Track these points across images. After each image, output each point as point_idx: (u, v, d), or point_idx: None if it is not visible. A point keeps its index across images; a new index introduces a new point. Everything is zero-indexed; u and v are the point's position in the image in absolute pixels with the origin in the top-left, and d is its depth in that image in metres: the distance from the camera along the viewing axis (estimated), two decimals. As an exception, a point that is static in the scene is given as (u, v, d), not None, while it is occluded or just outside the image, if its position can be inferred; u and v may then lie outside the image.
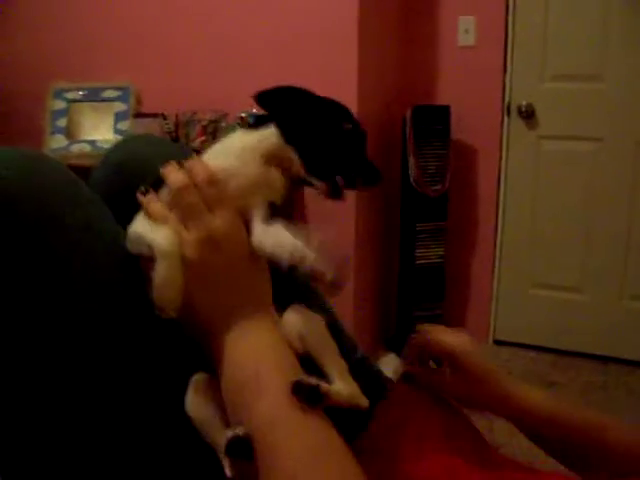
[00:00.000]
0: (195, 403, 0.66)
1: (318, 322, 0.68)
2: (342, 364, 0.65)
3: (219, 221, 0.64)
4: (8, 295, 0.63)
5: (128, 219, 0.68)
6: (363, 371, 0.87)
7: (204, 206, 0.65)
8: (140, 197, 0.68)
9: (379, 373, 0.94)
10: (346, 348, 0.92)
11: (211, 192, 0.65)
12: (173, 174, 0.67)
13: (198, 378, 0.67)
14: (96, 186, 0.81)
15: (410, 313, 2.81)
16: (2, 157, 0.69)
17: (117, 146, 0.89)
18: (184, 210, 0.65)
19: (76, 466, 0.67)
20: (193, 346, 0.67)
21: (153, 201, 0.67)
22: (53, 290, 0.65)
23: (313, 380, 0.58)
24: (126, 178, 0.81)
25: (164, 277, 0.62)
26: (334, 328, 0.94)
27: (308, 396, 0.56)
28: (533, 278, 2.93)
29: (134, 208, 0.68)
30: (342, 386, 0.61)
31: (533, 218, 2.89)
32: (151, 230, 0.65)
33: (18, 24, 2.96)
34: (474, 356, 0.81)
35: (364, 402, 0.63)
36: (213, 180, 0.65)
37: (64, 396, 0.66)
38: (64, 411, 0.66)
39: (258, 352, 0.63)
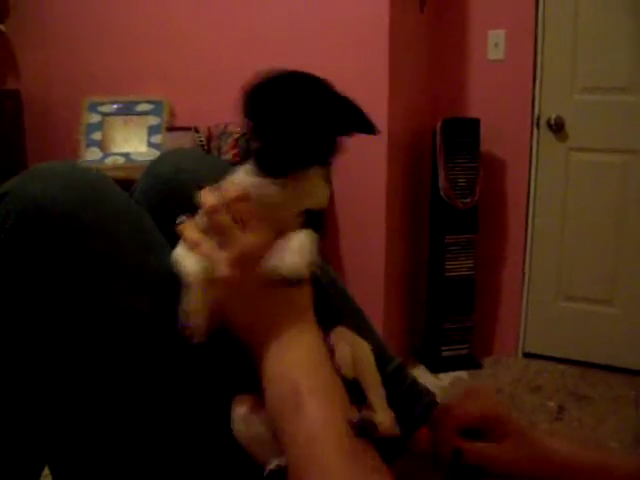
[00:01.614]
0: (242, 421, 0.67)
1: (367, 350, 0.69)
2: (383, 394, 0.67)
3: (251, 237, 0.64)
4: (60, 293, 0.67)
5: (171, 231, 0.69)
6: (398, 382, 0.88)
7: (235, 224, 0.64)
8: (178, 226, 0.68)
9: (414, 383, 0.94)
10: (382, 358, 0.94)
11: (241, 209, 0.64)
12: (205, 197, 0.66)
13: (243, 397, 0.68)
14: (140, 196, 0.84)
15: (439, 325, 2.81)
16: (59, 170, 0.72)
17: (162, 158, 0.91)
18: (216, 230, 0.65)
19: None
20: (236, 365, 0.68)
21: (188, 227, 0.68)
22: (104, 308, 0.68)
23: (368, 415, 0.61)
24: (170, 190, 0.83)
25: (189, 304, 0.63)
26: (371, 339, 0.96)
27: (362, 429, 0.59)
28: (563, 291, 2.92)
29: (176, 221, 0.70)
30: (382, 418, 0.63)
31: (563, 230, 2.88)
32: (184, 257, 0.66)
33: (55, 39, 3.02)
34: (511, 418, 0.74)
35: (397, 432, 0.64)
36: (242, 196, 0.65)
37: (110, 406, 0.68)
38: (115, 421, 0.68)
39: (298, 367, 0.63)
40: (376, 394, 0.66)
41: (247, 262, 0.64)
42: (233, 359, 0.67)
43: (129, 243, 0.72)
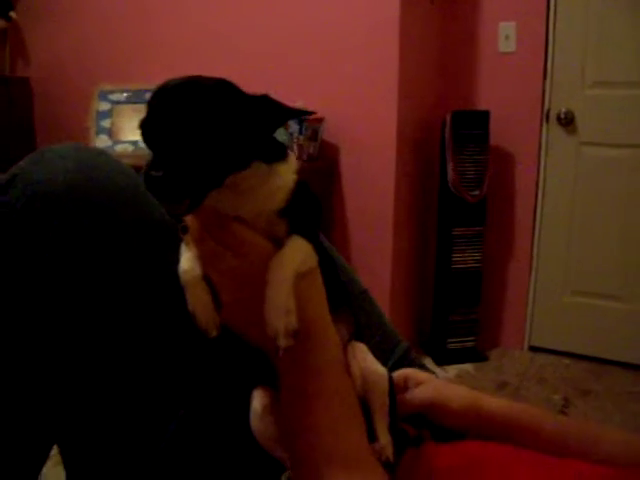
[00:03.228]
0: (258, 417, 0.68)
1: (380, 373, 0.70)
2: (387, 421, 0.70)
3: (236, 260, 0.61)
4: (72, 275, 0.68)
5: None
6: (405, 366, 0.89)
7: (220, 248, 0.61)
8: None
9: (423, 368, 0.95)
10: (389, 341, 0.94)
11: (221, 235, 0.62)
12: (189, 221, 0.63)
13: (261, 392, 0.69)
14: None
15: (446, 317, 2.81)
16: (65, 153, 0.73)
17: None
18: (203, 256, 0.62)
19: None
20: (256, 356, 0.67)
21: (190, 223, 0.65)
22: (111, 277, 0.69)
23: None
24: None
25: (190, 302, 0.62)
26: (377, 320, 0.96)
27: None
28: (570, 285, 2.92)
29: None
30: (383, 443, 0.68)
31: (571, 225, 2.87)
32: (182, 253, 0.64)
33: (65, 27, 3.03)
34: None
35: (392, 460, 0.68)
36: (220, 223, 0.62)
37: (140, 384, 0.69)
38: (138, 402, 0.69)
39: (314, 370, 0.63)
40: (380, 419, 0.69)
41: (238, 283, 0.62)
42: (252, 350, 0.66)
43: (137, 223, 0.73)
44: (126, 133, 2.82)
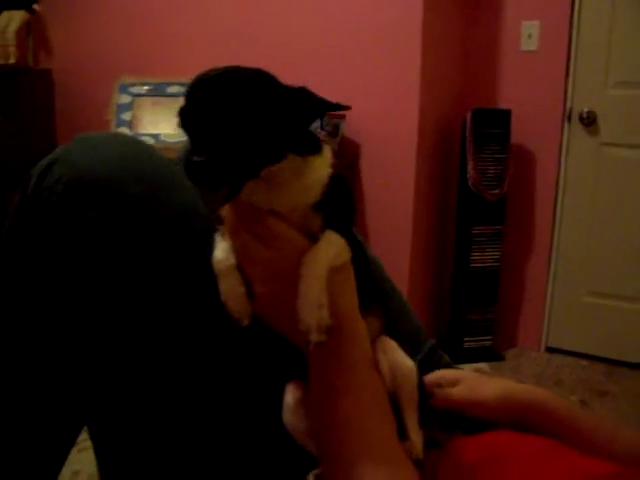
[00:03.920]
0: (290, 411, 0.68)
1: (408, 367, 0.70)
2: (417, 416, 0.69)
3: (269, 253, 0.61)
4: (106, 263, 0.68)
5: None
6: (433, 363, 0.89)
7: (254, 240, 0.62)
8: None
9: (449, 366, 0.95)
10: (417, 339, 0.94)
11: (256, 228, 0.62)
12: (224, 213, 0.64)
13: (294, 385, 0.69)
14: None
15: (463, 316, 2.80)
16: (105, 141, 0.73)
17: None
18: (237, 248, 0.63)
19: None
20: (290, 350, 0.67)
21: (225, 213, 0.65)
22: (152, 266, 0.69)
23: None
24: None
25: (223, 291, 0.63)
26: (406, 316, 0.96)
27: None
28: (589, 286, 2.90)
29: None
30: (414, 439, 0.67)
31: (591, 225, 2.85)
32: (217, 242, 0.64)
33: (88, 20, 3.04)
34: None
35: (422, 455, 0.68)
36: (255, 216, 0.62)
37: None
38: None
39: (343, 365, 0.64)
40: (410, 414, 0.68)
41: (271, 276, 0.62)
42: (285, 343, 0.66)
43: (173, 213, 0.73)
44: (146, 126, 2.83)
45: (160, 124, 2.83)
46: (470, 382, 0.80)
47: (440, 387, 0.80)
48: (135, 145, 0.76)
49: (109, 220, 0.68)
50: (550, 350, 2.98)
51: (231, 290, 0.62)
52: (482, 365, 2.78)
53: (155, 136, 2.79)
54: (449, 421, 0.78)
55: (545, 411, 0.74)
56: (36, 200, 0.68)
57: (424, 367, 0.83)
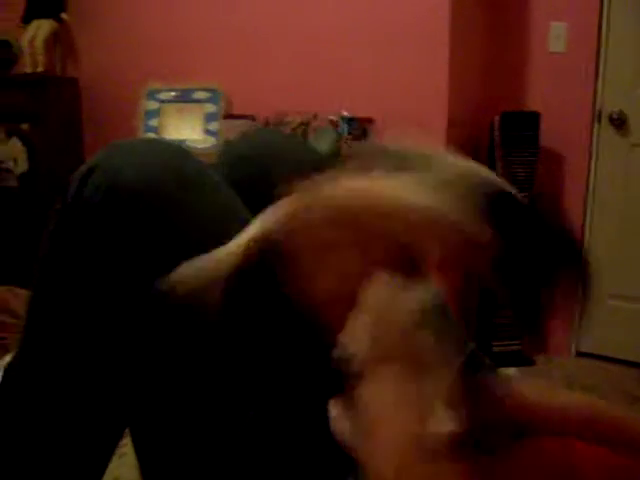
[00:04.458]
0: (337, 421, 0.67)
1: None
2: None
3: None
4: (145, 270, 0.67)
5: (259, 208, 0.62)
6: (475, 365, 0.87)
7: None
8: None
9: (492, 369, 0.93)
10: (461, 339, 0.92)
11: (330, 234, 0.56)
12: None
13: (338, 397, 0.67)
14: (222, 175, 0.82)
15: (491, 320, 2.78)
16: (144, 148, 0.72)
17: (244, 137, 0.91)
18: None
19: None
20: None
21: None
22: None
23: None
24: (257, 167, 0.84)
25: None
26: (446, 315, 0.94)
27: None
28: (619, 290, 2.85)
29: (266, 198, 0.62)
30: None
31: (621, 229, 2.81)
32: None
33: (114, 28, 3.06)
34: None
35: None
36: (336, 221, 0.55)
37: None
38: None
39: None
40: None
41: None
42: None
43: (216, 218, 0.72)
44: (174, 132, 2.85)
45: (185, 130, 2.84)
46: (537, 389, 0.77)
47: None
48: (170, 149, 0.75)
49: (150, 225, 0.68)
50: (581, 355, 2.94)
51: None
52: (511, 370, 2.75)
53: (182, 142, 2.81)
54: (501, 426, 0.76)
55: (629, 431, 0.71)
56: (76, 208, 0.68)
57: (467, 370, 0.81)
